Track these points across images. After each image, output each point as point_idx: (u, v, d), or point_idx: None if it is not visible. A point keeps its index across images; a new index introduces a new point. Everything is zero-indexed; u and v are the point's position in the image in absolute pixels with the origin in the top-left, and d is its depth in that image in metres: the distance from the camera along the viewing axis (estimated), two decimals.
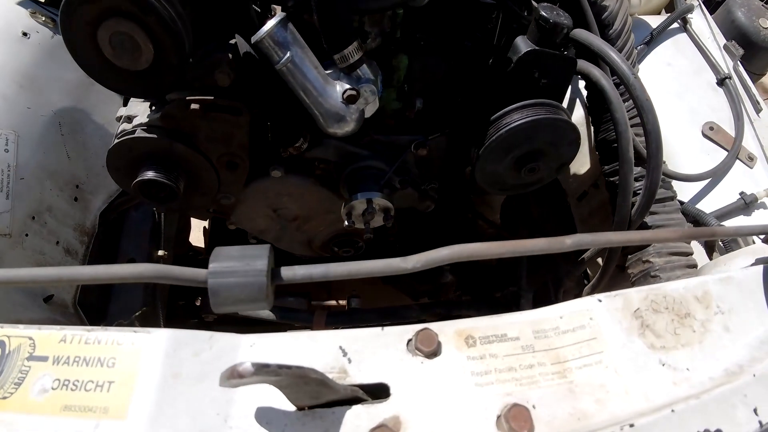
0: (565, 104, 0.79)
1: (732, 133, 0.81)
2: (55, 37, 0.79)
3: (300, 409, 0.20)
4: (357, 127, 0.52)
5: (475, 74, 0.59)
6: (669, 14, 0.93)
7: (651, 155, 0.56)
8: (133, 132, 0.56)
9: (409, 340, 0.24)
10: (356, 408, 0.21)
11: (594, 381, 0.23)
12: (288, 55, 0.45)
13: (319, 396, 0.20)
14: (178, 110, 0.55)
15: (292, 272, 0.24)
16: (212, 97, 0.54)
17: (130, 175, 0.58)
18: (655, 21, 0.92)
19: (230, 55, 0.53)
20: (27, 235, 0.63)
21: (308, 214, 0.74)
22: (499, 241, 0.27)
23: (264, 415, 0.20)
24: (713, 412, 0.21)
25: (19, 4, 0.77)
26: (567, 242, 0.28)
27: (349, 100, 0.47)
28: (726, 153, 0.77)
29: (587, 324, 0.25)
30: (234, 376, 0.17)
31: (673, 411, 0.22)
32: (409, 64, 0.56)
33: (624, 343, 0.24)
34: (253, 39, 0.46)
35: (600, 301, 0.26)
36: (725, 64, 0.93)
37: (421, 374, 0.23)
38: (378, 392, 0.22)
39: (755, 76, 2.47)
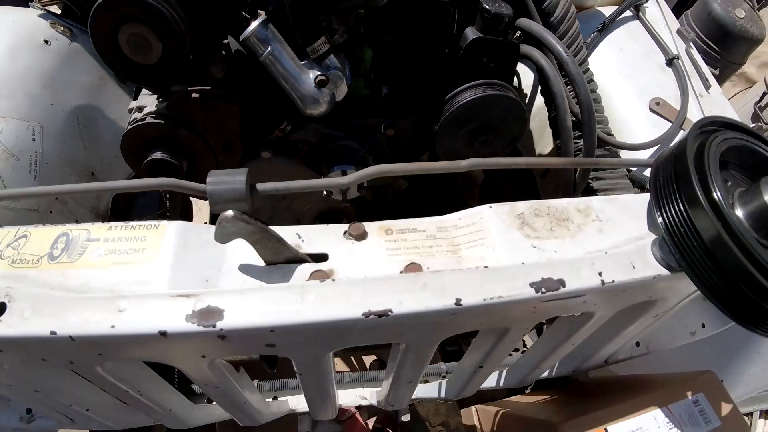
0: (529, 91, 0.89)
1: (678, 107, 0.90)
2: (72, 44, 0.91)
3: (267, 263, 0.31)
4: (329, 109, 0.63)
5: (433, 62, 0.70)
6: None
7: (584, 122, 0.67)
8: (144, 119, 0.68)
9: (345, 231, 0.35)
10: (304, 265, 0.32)
11: (476, 254, 0.33)
12: (269, 48, 0.57)
13: (279, 253, 0.31)
14: (181, 101, 0.67)
15: (262, 186, 0.35)
16: (209, 87, 0.66)
17: (141, 157, 0.70)
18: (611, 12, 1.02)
19: (223, 52, 0.65)
20: (51, 212, 0.75)
21: (295, 193, 0.85)
22: (412, 163, 0.37)
23: (244, 267, 0.31)
24: (560, 269, 0.31)
25: (41, 16, 0.90)
26: (462, 164, 0.38)
27: (320, 84, 0.59)
28: (671, 124, 0.86)
29: (478, 222, 0.35)
30: (222, 221, 0.27)
31: (523, 264, 0.32)
32: (374, 55, 0.68)
33: (504, 233, 0.34)
34: (241, 37, 0.58)
35: (491, 207, 0.36)
36: (675, 46, 1.01)
37: (351, 249, 0.33)
38: (320, 258, 0.33)
39: (735, 66, 2.58)
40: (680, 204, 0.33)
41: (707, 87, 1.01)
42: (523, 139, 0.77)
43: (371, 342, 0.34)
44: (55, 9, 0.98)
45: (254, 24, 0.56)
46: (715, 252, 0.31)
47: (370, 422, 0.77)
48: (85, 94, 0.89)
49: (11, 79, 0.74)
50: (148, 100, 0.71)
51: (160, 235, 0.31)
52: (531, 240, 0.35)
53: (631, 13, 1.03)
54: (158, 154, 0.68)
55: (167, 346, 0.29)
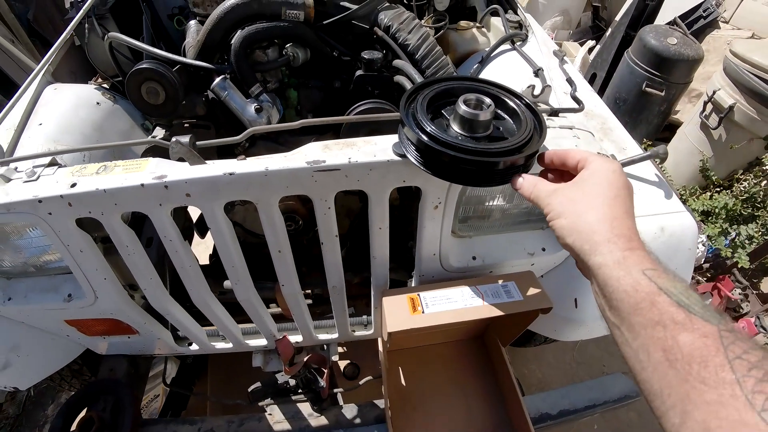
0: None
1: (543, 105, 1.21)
2: (114, 105, 1.41)
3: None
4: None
5: (338, 95, 1.12)
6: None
7: None
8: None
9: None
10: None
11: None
12: (226, 93, 1.01)
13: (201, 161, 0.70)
14: (178, 128, 1.11)
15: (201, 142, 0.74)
16: (195, 120, 1.10)
17: None
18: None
19: (203, 98, 1.09)
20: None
21: None
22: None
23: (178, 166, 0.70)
24: (329, 159, 0.66)
25: (96, 88, 1.42)
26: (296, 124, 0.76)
27: (257, 111, 1.01)
28: None
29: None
30: (172, 144, 0.67)
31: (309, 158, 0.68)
32: (299, 94, 1.11)
33: (319, 151, 0.71)
34: (211, 87, 1.02)
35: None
36: (548, 63, 1.32)
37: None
38: None
39: (682, 85, 2.94)
40: (403, 125, 0.66)
41: (573, 87, 1.28)
42: None
43: (238, 195, 0.68)
44: (106, 84, 1.50)
45: (217, 80, 1.01)
46: (420, 146, 0.64)
47: (305, 359, 1.05)
48: (120, 135, 1.37)
49: (74, 123, 1.21)
50: (159, 132, 1.16)
51: (147, 162, 0.71)
52: (327, 151, 0.69)
53: (510, 47, 1.41)
54: None
55: (144, 194, 0.66)
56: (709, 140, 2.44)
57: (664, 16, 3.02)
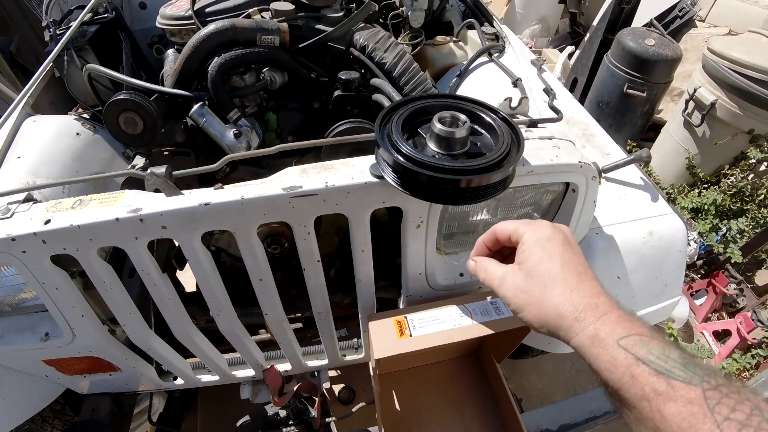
0: None
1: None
2: (95, 135, 1.40)
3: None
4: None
5: (317, 116, 1.12)
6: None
7: None
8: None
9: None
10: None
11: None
12: (204, 119, 1.00)
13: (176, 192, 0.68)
14: (158, 157, 1.10)
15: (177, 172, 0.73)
16: (174, 147, 1.09)
17: None
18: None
19: (182, 125, 1.09)
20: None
21: None
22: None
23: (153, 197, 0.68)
24: (306, 184, 0.65)
25: (75, 119, 1.41)
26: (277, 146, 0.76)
27: (236, 136, 1.00)
28: None
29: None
30: (147, 177, 0.65)
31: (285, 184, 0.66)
32: (279, 117, 1.11)
33: (295, 176, 0.70)
34: (189, 114, 1.02)
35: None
36: (527, 72, 1.34)
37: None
38: None
39: (663, 85, 3.00)
40: (378, 146, 0.65)
41: (551, 96, 1.29)
42: None
43: (215, 225, 0.67)
44: (86, 114, 1.50)
45: (195, 107, 1.00)
46: (397, 168, 0.63)
47: (295, 389, 1.03)
48: (101, 165, 1.35)
49: (54, 154, 1.19)
50: (139, 161, 1.15)
51: (123, 195, 0.70)
52: (305, 175, 0.69)
53: (487, 59, 1.43)
54: None
55: (119, 228, 0.64)
56: (694, 138, 2.47)
57: (640, 19, 3.10)
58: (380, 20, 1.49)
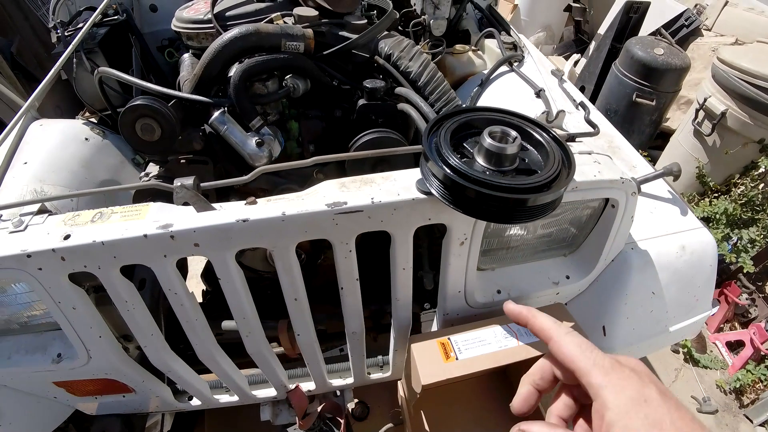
0: None
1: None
2: (103, 140, 1.36)
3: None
4: (269, 162, 1.00)
5: (341, 125, 1.09)
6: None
7: None
8: (149, 181, 1.06)
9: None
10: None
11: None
12: (225, 127, 0.96)
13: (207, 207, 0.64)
14: (175, 165, 1.06)
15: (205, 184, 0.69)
16: (192, 155, 1.05)
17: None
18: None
19: (200, 133, 1.05)
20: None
21: None
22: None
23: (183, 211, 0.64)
24: (351, 200, 0.61)
25: (84, 123, 1.36)
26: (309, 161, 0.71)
27: (258, 145, 0.96)
28: None
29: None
30: (176, 189, 0.61)
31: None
32: (300, 125, 1.07)
33: (335, 189, 0.66)
34: (208, 122, 0.98)
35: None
36: (547, 83, 1.31)
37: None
38: None
39: (671, 93, 3.00)
40: (427, 159, 0.62)
41: (576, 105, 1.27)
42: None
43: (252, 243, 0.62)
44: (94, 119, 1.45)
45: (215, 114, 0.96)
46: (447, 182, 0.59)
47: (319, 409, 0.99)
48: (110, 171, 1.30)
49: (61, 160, 1.15)
50: (153, 168, 1.10)
51: (147, 208, 0.65)
52: (345, 190, 0.65)
53: (508, 68, 1.41)
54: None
55: (147, 245, 0.60)
56: (704, 147, 2.48)
57: (647, 27, 3.12)
58: (399, 28, 1.47)
